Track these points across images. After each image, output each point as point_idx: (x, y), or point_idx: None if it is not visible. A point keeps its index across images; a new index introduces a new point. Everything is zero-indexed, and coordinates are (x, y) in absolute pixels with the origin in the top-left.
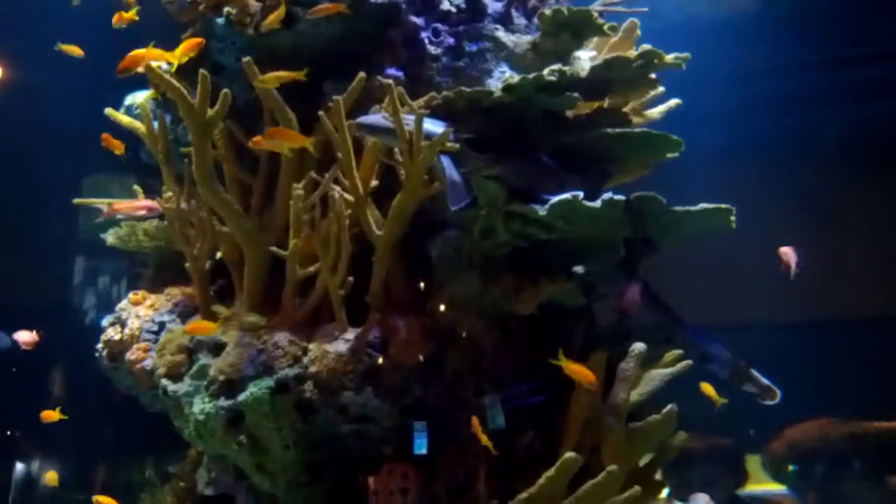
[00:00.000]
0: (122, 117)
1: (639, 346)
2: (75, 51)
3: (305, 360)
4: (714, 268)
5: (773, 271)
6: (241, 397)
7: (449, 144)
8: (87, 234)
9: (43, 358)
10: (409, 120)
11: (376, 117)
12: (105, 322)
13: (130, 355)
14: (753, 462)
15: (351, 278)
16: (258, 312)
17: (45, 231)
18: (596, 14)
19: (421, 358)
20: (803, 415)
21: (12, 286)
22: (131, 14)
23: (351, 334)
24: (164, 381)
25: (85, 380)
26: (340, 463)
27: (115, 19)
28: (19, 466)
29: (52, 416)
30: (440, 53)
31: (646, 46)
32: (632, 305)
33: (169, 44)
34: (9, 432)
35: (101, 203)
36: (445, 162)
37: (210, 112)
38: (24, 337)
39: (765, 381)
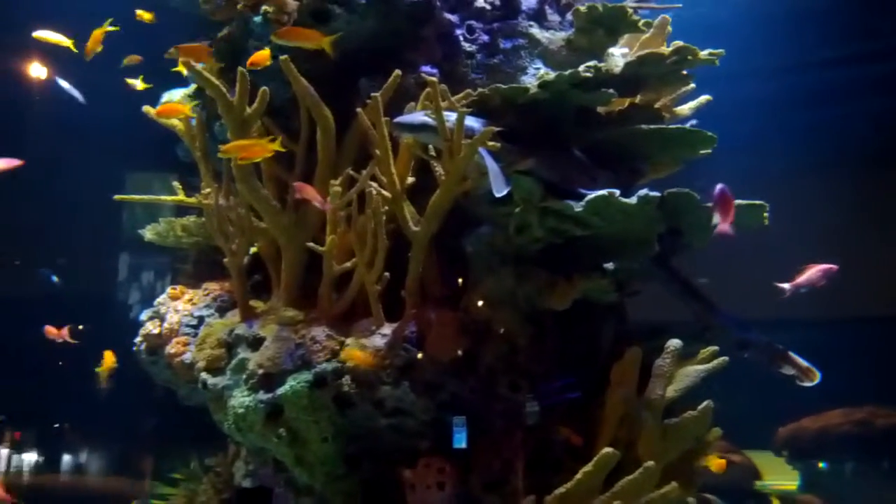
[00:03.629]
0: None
1: (675, 343)
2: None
3: (343, 354)
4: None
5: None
6: (280, 391)
7: (490, 143)
8: (131, 231)
9: (89, 352)
10: (448, 117)
11: (416, 116)
12: (144, 316)
13: (170, 349)
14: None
15: (387, 274)
16: (295, 307)
17: (91, 227)
18: (631, 10)
19: (458, 353)
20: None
21: (60, 280)
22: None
23: (387, 329)
24: (204, 375)
25: (129, 373)
26: (377, 456)
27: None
28: (66, 457)
29: None
30: (475, 50)
31: (678, 43)
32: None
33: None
34: (56, 424)
35: (164, 200)
36: (485, 153)
37: (248, 110)
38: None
39: (804, 362)
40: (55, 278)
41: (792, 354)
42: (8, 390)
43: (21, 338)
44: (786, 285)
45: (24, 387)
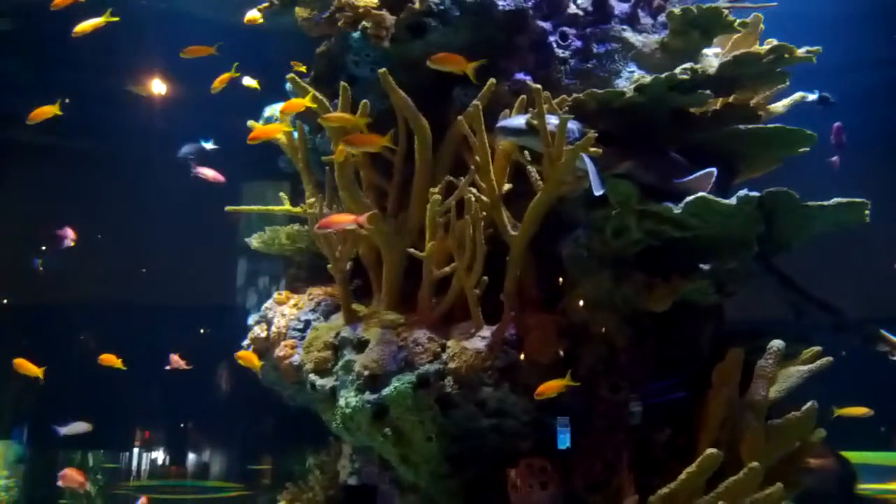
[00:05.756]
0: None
1: (777, 344)
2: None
3: (444, 356)
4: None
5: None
6: (385, 391)
7: (592, 149)
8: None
9: (209, 356)
10: (549, 121)
11: (518, 120)
12: (251, 321)
13: (279, 352)
14: (879, 459)
15: (485, 277)
16: (396, 311)
17: (210, 236)
18: (726, 11)
19: (560, 354)
20: None
21: (179, 289)
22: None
23: (487, 332)
24: (312, 377)
25: (248, 376)
26: (480, 456)
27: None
28: (191, 456)
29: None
30: (568, 56)
31: (773, 41)
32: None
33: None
34: (182, 424)
35: (270, 210)
36: (584, 155)
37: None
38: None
39: (894, 338)
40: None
41: (884, 332)
42: (137, 393)
43: (147, 343)
44: None
45: (151, 389)
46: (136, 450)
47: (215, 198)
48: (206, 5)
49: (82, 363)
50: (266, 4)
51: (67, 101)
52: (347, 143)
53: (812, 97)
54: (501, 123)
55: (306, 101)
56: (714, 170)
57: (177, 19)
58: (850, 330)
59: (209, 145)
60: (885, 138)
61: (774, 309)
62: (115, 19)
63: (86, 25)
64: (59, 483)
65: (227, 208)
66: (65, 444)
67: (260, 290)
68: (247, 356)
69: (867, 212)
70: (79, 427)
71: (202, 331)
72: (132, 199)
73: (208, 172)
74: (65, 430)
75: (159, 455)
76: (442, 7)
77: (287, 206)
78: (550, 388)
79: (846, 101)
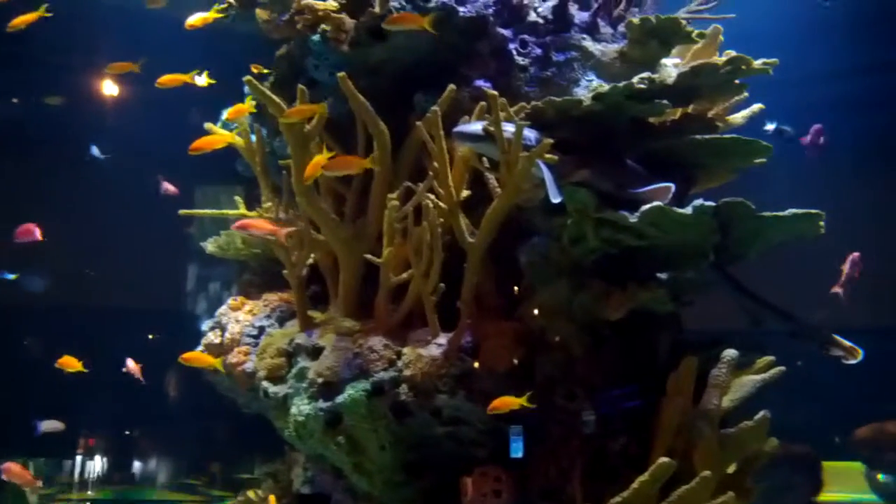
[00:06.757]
0: (220, 131)
1: (730, 353)
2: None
3: (400, 363)
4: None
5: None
6: (339, 399)
7: (547, 156)
8: (198, 243)
9: (159, 362)
10: (506, 129)
11: (474, 126)
12: (205, 326)
13: (232, 358)
14: (835, 469)
15: (442, 284)
16: (352, 317)
17: (160, 240)
18: (684, 22)
19: (515, 362)
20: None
21: (130, 293)
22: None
23: (443, 339)
24: (265, 384)
25: (199, 382)
26: (435, 464)
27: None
28: (137, 464)
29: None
30: (528, 64)
31: (731, 52)
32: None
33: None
34: (127, 431)
35: (226, 214)
36: (540, 163)
37: (308, 126)
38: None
39: (847, 342)
40: (10, 276)
41: (837, 337)
42: (82, 398)
43: (92, 346)
44: (838, 289)
45: (98, 395)
46: (79, 457)
47: (169, 200)
48: (173, 5)
49: (26, 367)
50: (225, 5)
51: (15, 100)
52: (327, 169)
53: (770, 127)
54: (458, 129)
55: (248, 107)
56: (672, 185)
57: (140, 18)
58: (805, 336)
59: (96, 152)
60: (854, 147)
61: (733, 318)
62: (49, 14)
63: (20, 20)
64: (3, 477)
65: (181, 212)
66: (4, 452)
67: (212, 295)
68: (198, 357)
69: (822, 223)
70: (54, 425)
71: (151, 335)
72: (83, 199)
73: (170, 188)
74: (43, 428)
75: (105, 463)
76: (402, 11)
77: (242, 210)
78: (505, 403)
79: (815, 109)
